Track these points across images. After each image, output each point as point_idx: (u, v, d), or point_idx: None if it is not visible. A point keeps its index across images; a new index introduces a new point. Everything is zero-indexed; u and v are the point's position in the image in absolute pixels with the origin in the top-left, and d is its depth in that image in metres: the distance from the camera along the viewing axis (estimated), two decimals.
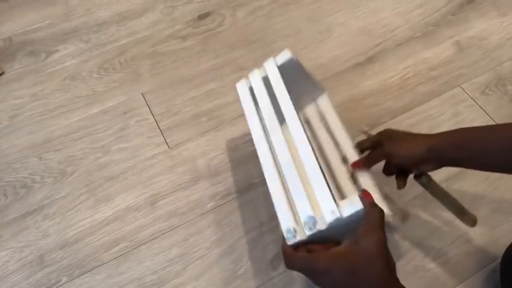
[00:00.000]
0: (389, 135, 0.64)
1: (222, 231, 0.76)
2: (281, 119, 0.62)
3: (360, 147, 0.69)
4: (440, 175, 0.81)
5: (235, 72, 0.95)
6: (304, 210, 0.51)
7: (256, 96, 0.66)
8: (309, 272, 0.47)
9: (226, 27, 1.03)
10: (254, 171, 0.82)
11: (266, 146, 0.61)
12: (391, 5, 1.08)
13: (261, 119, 0.64)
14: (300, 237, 0.50)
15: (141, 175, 0.81)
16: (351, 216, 0.48)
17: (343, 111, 0.90)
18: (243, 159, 0.83)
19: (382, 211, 0.47)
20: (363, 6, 1.07)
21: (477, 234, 0.75)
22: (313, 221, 0.50)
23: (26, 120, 0.89)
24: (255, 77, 0.68)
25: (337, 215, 0.48)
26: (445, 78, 0.95)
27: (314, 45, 1.00)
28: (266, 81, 0.67)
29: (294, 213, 0.52)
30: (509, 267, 0.66)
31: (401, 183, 0.65)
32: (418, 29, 1.03)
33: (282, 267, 0.72)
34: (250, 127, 0.65)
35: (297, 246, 0.49)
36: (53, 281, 0.71)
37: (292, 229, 0.50)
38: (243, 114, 0.67)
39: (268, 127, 0.62)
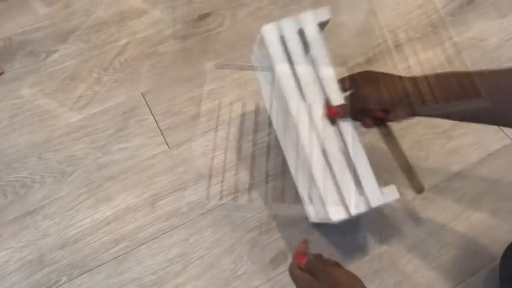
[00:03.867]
0: (367, 76, 0.59)
1: (222, 231, 0.76)
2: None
3: (341, 85, 0.62)
4: (439, 175, 0.81)
5: (236, 72, 0.95)
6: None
7: (290, 51, 0.61)
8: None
9: (226, 27, 1.03)
10: (254, 171, 0.82)
11: (305, 109, 0.60)
12: (391, 5, 1.08)
13: (295, 78, 0.60)
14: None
15: (141, 175, 0.81)
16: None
17: None
18: (243, 159, 0.83)
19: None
20: (363, 6, 1.07)
21: (477, 234, 0.76)
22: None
23: (26, 120, 0.89)
24: (289, 28, 0.62)
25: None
26: None
27: None
28: (300, 34, 0.62)
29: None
30: (509, 267, 0.66)
31: (370, 122, 0.61)
32: (417, 29, 1.03)
33: (281, 267, 0.72)
34: (282, 85, 0.60)
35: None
36: (52, 281, 0.71)
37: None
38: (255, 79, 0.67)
39: (303, 88, 0.60)
